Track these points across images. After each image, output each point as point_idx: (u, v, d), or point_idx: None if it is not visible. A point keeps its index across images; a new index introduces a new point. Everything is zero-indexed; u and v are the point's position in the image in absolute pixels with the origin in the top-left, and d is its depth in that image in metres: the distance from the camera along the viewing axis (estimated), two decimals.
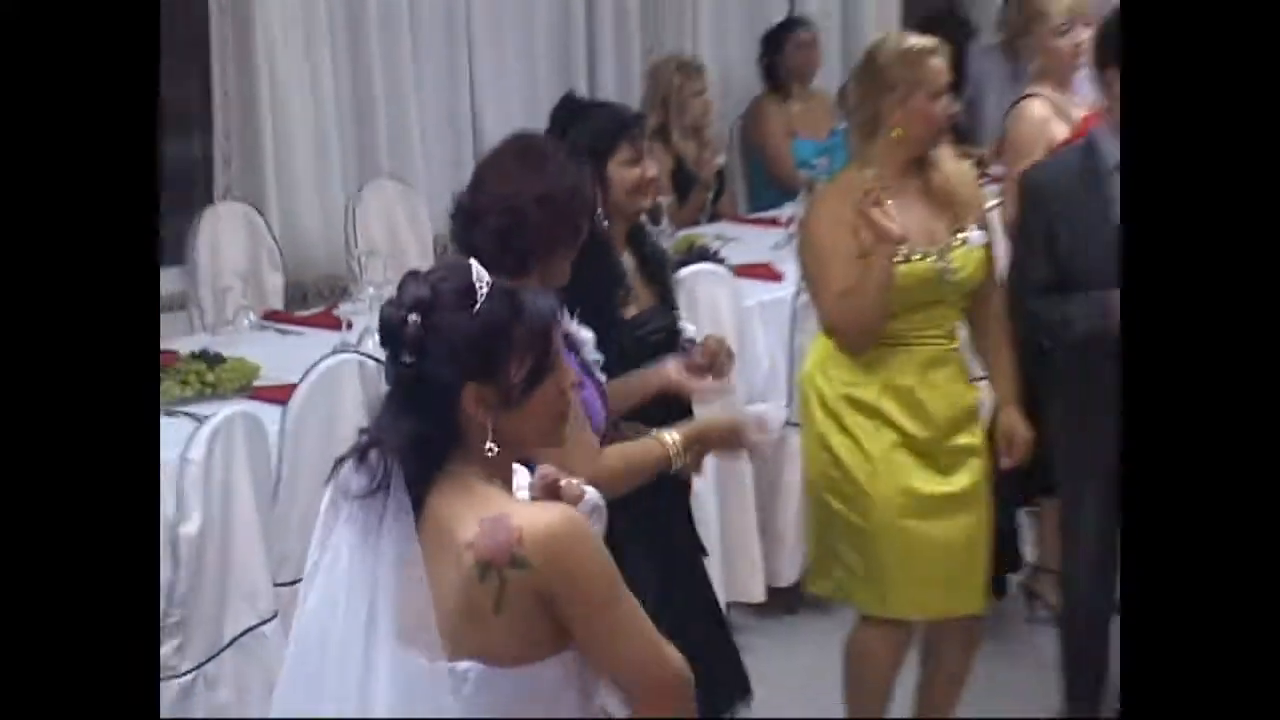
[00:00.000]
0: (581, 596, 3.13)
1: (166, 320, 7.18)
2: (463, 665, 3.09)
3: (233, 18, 7.77)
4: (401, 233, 8.04)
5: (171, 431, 5.39)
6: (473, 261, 3.33)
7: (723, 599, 6.31)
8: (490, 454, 3.17)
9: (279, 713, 3.32)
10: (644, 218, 5.60)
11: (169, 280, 7.43)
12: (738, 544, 6.84)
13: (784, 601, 7.06)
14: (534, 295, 3.33)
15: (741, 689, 5.29)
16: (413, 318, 3.12)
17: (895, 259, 5.30)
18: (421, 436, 3.15)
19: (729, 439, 4.84)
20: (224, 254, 7.58)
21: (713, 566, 6.35)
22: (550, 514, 3.18)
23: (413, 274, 3.30)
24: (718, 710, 5.18)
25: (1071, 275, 5.51)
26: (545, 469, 3.51)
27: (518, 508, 3.19)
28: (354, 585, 3.16)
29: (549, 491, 3.44)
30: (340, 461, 3.23)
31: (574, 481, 3.51)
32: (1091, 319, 5.41)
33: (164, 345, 6.39)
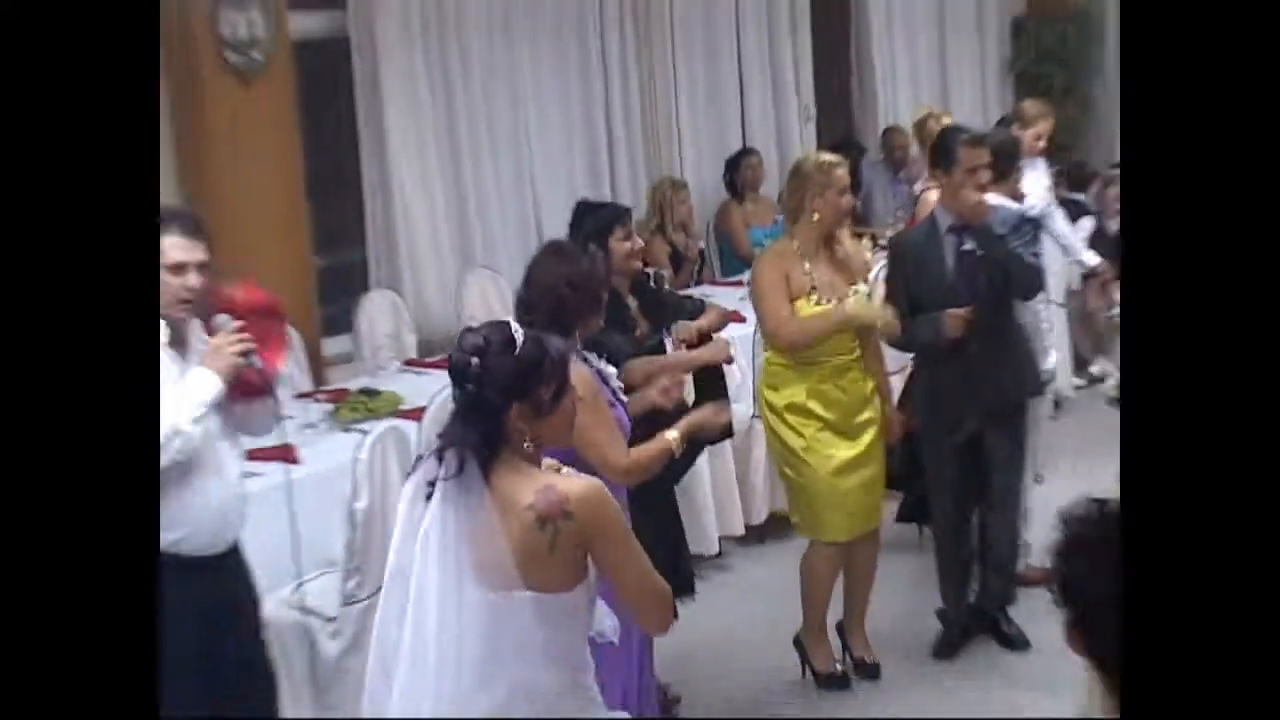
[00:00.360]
0: (609, 537, 3.72)
1: (341, 369, 8.44)
2: (522, 594, 3.62)
3: (378, 166, 8.88)
4: (492, 303, 8.86)
5: (347, 440, 6.38)
6: (511, 319, 4.00)
7: (715, 533, 7.78)
8: (528, 448, 3.75)
9: (379, 637, 3.84)
10: (648, 275, 6.72)
11: (342, 343, 8.72)
12: (724, 496, 7.99)
13: (756, 534, 8.24)
14: (555, 341, 3.87)
15: (689, 589, 6.35)
16: (473, 360, 3.66)
17: (813, 303, 6.28)
18: (485, 439, 3.66)
19: (710, 428, 5.53)
20: (377, 324, 8.65)
21: (708, 512, 7.73)
22: (584, 482, 3.76)
23: (469, 329, 3.84)
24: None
25: (919, 304, 6.50)
26: (550, 463, 3.92)
27: (559, 479, 3.74)
28: (448, 542, 3.64)
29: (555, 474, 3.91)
30: (419, 460, 3.87)
31: (570, 471, 3.96)
32: (928, 333, 6.51)
33: (339, 385, 7.71)
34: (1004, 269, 6.47)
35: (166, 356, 4.80)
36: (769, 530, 8.31)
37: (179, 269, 4.79)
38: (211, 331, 5.04)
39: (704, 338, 6.50)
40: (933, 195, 7.46)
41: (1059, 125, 12.89)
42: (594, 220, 6.19)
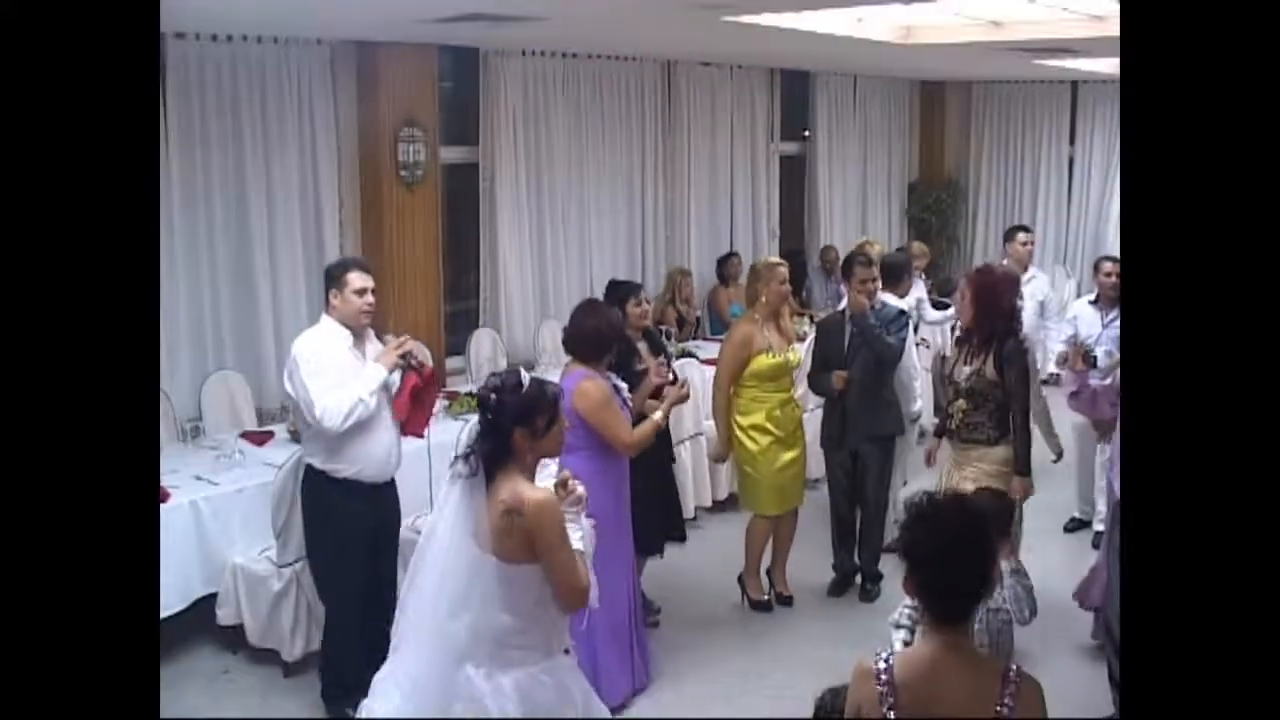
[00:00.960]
0: (543, 535, 3.49)
1: (456, 378, 8.33)
2: (490, 559, 3.50)
3: (490, 247, 8.94)
4: (558, 342, 7.80)
5: (456, 426, 6.26)
6: (520, 368, 3.79)
7: (693, 503, 7.75)
8: (526, 460, 3.59)
9: (410, 570, 3.68)
10: (659, 330, 6.86)
11: (458, 362, 8.69)
12: (699, 479, 7.95)
13: (720, 506, 8.11)
14: (551, 385, 3.73)
15: (681, 538, 6.36)
16: (491, 395, 3.58)
17: (769, 356, 6.26)
18: (495, 451, 3.55)
19: (680, 401, 5.54)
20: (481, 350, 8.72)
21: (687, 489, 7.65)
22: (538, 495, 3.54)
23: (493, 374, 3.73)
24: (657, 543, 6.10)
25: (827, 365, 6.59)
26: (564, 475, 3.77)
27: (527, 488, 3.53)
28: (458, 516, 3.55)
29: (563, 485, 3.73)
30: (456, 459, 3.64)
31: (575, 482, 3.78)
32: (826, 384, 6.56)
33: (451, 389, 7.62)
34: (873, 348, 6.53)
35: (352, 354, 4.99)
36: (728, 504, 8.20)
37: (361, 292, 4.99)
38: (384, 341, 5.23)
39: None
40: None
41: (934, 255, 13.19)
42: (618, 292, 6.23)
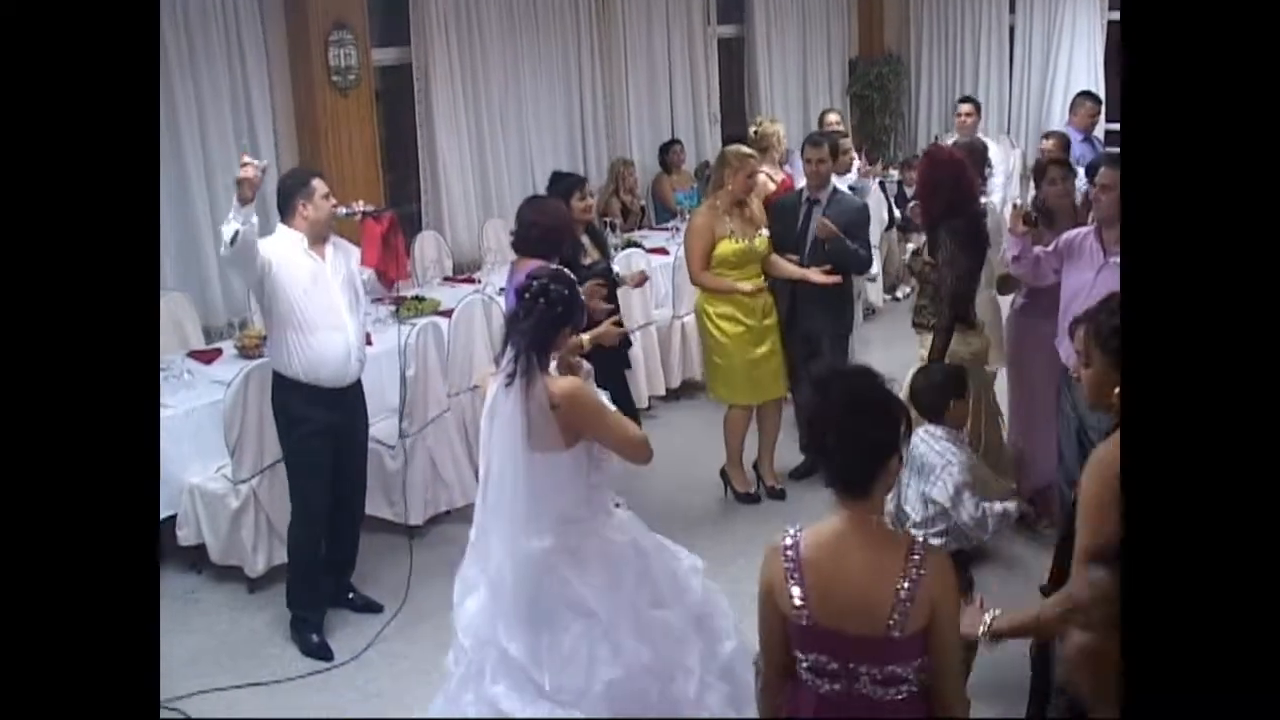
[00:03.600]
0: (584, 415, 3.65)
1: (402, 284, 7.68)
2: (540, 454, 3.63)
3: (429, 148, 8.85)
4: (502, 240, 8.38)
5: (404, 330, 6.09)
6: (562, 268, 4.02)
7: (646, 393, 7.81)
8: (552, 356, 3.72)
9: (484, 461, 3.75)
10: (603, 223, 7.03)
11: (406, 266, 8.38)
12: (653, 368, 8.07)
13: (674, 393, 8.28)
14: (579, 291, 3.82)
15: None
16: (553, 286, 3.69)
17: (733, 242, 6.17)
18: (544, 347, 3.66)
19: (607, 340, 4.85)
20: (426, 252, 8.60)
21: (641, 378, 7.72)
22: (564, 384, 3.66)
23: (536, 273, 3.80)
24: None
25: (780, 245, 6.41)
26: (563, 355, 3.81)
27: (552, 381, 3.64)
28: (511, 418, 3.62)
29: (565, 365, 3.83)
30: (505, 361, 3.68)
31: (575, 359, 3.89)
32: (791, 266, 6.36)
33: (402, 294, 7.38)
34: (848, 267, 6.40)
35: (309, 258, 5.00)
36: (682, 391, 8.37)
37: (327, 196, 5.04)
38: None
39: (638, 282, 6.51)
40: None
41: (876, 129, 13.10)
42: (561, 185, 6.13)
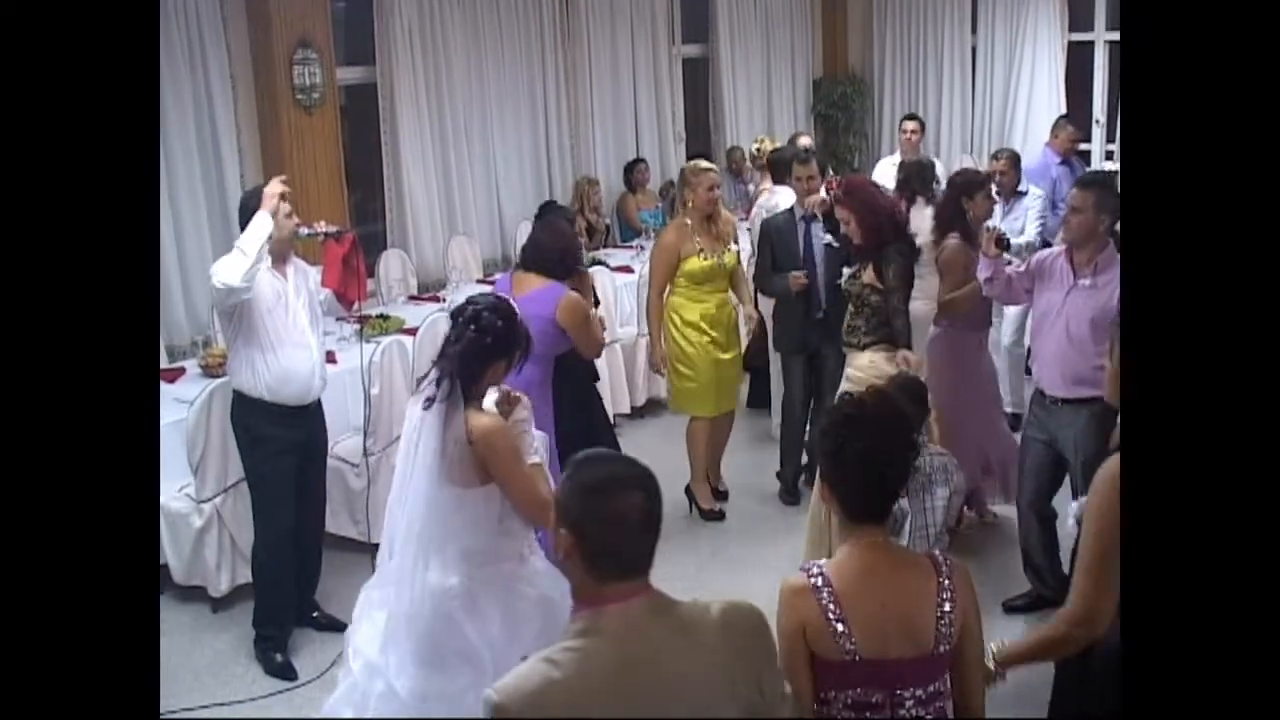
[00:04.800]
0: (495, 460, 3.51)
1: (367, 302, 7.75)
2: (451, 488, 3.53)
3: (393, 167, 8.84)
4: (468, 258, 9.03)
5: (368, 348, 5.93)
6: (508, 298, 3.86)
7: (614, 410, 7.61)
8: (483, 389, 3.62)
9: (399, 479, 3.66)
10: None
11: (371, 285, 8.15)
12: (617, 387, 8.02)
13: (639, 411, 8.32)
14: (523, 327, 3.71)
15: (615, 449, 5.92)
16: (485, 314, 3.59)
17: (702, 259, 6.21)
18: (472, 377, 3.55)
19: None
20: (391, 271, 8.58)
21: (606, 396, 7.30)
22: (485, 421, 3.53)
23: (473, 300, 3.70)
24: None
25: (778, 266, 6.43)
26: (504, 389, 3.72)
27: (475, 416, 3.52)
28: (426, 446, 3.52)
29: (505, 399, 3.71)
30: (427, 384, 3.59)
31: (517, 394, 3.75)
32: (782, 285, 6.40)
33: (367, 313, 7.28)
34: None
35: (271, 274, 4.94)
36: (646, 410, 8.39)
37: (289, 215, 4.95)
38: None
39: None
40: (763, 195, 7.75)
41: (841, 149, 13.16)
42: (558, 212, 6.51)
